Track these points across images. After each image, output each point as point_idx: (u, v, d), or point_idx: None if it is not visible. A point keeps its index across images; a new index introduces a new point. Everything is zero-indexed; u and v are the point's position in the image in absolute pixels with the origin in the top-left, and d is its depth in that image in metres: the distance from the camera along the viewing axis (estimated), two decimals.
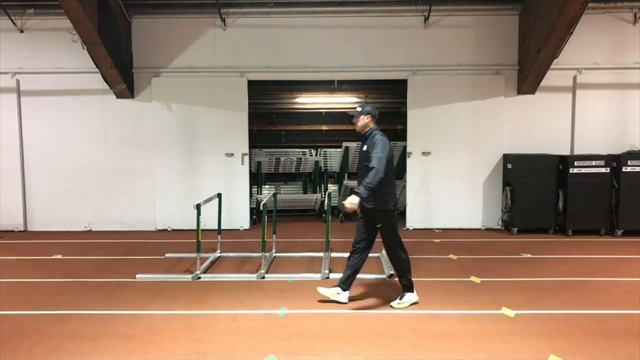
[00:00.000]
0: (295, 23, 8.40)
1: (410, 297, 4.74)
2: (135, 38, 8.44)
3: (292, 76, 8.69)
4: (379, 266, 6.11)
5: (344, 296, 4.80)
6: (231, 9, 8.31)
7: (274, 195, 7.00)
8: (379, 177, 4.38)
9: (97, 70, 7.87)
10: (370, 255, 6.52)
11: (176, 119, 8.48)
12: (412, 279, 4.79)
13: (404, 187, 8.94)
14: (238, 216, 8.60)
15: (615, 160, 7.84)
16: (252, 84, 8.64)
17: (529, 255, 6.64)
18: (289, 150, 10.23)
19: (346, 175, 9.51)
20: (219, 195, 6.60)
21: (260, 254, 5.95)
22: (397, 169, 9.84)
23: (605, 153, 8.02)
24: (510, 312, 4.54)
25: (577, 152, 8.33)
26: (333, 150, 10.03)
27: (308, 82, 9.68)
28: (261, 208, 6.13)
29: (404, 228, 8.50)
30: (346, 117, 10.54)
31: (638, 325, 4.24)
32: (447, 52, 8.40)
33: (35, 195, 8.57)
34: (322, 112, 10.50)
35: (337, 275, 5.66)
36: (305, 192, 10.01)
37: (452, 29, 8.39)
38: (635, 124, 8.37)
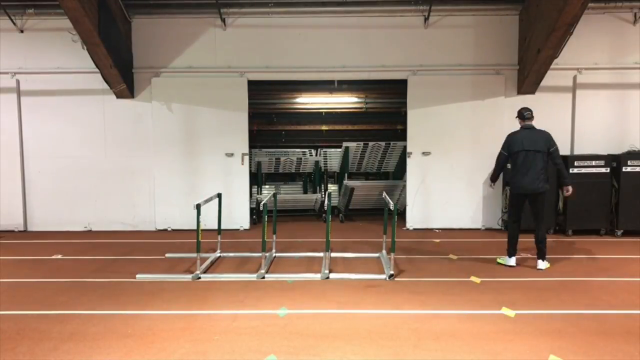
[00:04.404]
0: (295, 23, 8.40)
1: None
2: (135, 38, 8.44)
3: (292, 76, 8.68)
4: (379, 266, 6.11)
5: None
6: (231, 9, 8.31)
7: (274, 195, 7.01)
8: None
9: (97, 70, 7.87)
10: (370, 255, 6.62)
11: (176, 119, 8.48)
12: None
13: (404, 187, 8.94)
14: (238, 216, 8.60)
15: (615, 160, 7.84)
16: (252, 84, 8.64)
17: (529, 255, 6.64)
18: (289, 150, 10.24)
19: (346, 175, 9.50)
20: (219, 195, 6.59)
21: (260, 254, 5.95)
22: (397, 169, 9.93)
23: (605, 153, 8.02)
24: (510, 312, 4.54)
25: (577, 152, 8.33)
26: (333, 150, 10.03)
27: (308, 82, 9.68)
28: (261, 208, 6.13)
29: (404, 228, 8.49)
30: (346, 117, 10.63)
31: (638, 325, 4.24)
32: (447, 52, 8.40)
33: (35, 196, 8.58)
34: (322, 112, 10.50)
35: (337, 275, 5.69)
36: (305, 192, 10.01)
37: (452, 29, 8.40)
38: (635, 124, 8.37)
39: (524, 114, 6.11)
